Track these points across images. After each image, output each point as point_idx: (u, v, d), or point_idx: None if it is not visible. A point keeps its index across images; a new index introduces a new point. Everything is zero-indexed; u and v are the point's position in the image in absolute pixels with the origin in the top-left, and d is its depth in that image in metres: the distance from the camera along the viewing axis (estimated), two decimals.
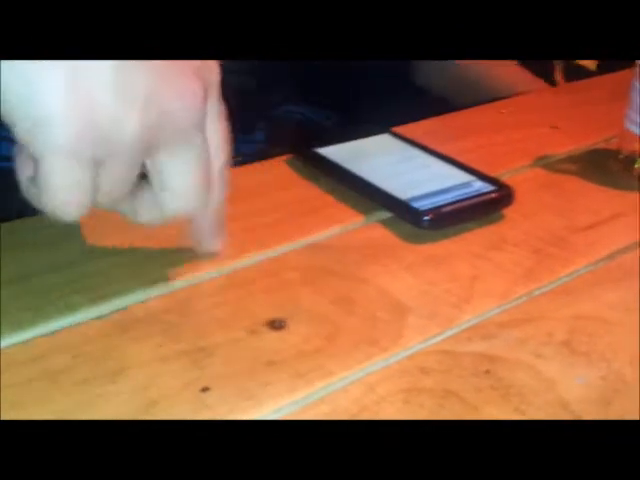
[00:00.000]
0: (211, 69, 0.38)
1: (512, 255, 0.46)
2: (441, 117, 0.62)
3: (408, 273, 0.43)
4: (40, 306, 0.38)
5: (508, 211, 0.50)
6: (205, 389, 0.35)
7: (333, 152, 0.53)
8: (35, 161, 0.34)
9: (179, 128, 0.36)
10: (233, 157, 0.71)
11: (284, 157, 0.55)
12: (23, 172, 0.36)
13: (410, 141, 0.55)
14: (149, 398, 0.34)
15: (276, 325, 0.39)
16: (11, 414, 0.32)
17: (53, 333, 0.37)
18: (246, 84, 0.72)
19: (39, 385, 0.34)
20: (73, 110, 0.32)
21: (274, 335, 0.38)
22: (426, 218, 0.46)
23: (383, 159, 0.53)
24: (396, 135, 0.56)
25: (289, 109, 0.91)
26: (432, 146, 0.54)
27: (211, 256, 0.43)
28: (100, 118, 0.33)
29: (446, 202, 0.47)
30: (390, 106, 0.77)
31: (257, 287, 0.42)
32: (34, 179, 0.34)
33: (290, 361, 0.36)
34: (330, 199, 0.50)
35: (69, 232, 0.44)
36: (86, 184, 0.34)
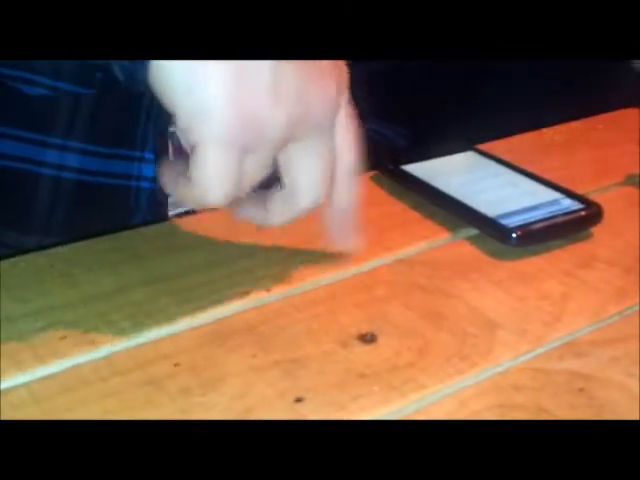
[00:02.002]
0: (342, 71, 0.41)
1: (602, 273, 0.45)
2: (527, 134, 0.62)
3: (497, 289, 0.43)
4: (138, 316, 0.40)
5: (596, 229, 0.49)
6: (299, 399, 0.35)
7: (418, 169, 0.53)
8: (192, 149, 0.37)
9: (317, 123, 0.39)
10: None
11: (369, 174, 0.56)
12: (164, 168, 0.40)
13: (495, 158, 0.55)
14: (246, 406, 0.35)
15: (367, 338, 0.39)
16: (120, 418, 0.33)
17: (152, 343, 0.39)
18: None
19: (144, 391, 0.35)
20: (233, 103, 0.36)
21: (365, 348, 0.39)
22: (514, 235, 0.46)
23: (469, 176, 0.53)
24: (481, 152, 0.56)
25: (362, 124, 0.92)
26: (517, 163, 0.54)
27: (345, 256, 0.45)
28: (255, 111, 0.36)
29: (534, 219, 0.47)
30: (466, 122, 0.77)
31: (347, 301, 0.42)
32: (182, 170, 0.38)
33: (382, 374, 0.37)
34: (416, 215, 0.51)
35: (168, 245, 0.46)
36: (234, 172, 0.37)
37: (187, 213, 0.57)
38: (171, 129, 0.54)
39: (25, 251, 0.44)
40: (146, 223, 0.53)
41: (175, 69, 0.36)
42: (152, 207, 0.56)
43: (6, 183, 0.53)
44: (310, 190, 0.40)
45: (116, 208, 0.55)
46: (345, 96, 0.41)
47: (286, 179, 0.40)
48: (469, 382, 0.37)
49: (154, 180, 0.55)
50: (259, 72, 0.36)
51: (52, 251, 0.44)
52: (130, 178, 0.55)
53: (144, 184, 0.55)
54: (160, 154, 0.55)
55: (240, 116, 0.36)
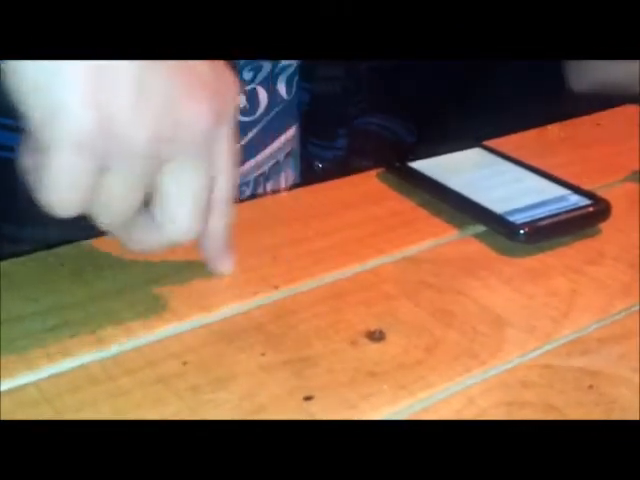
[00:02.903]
0: (230, 93, 0.38)
1: (610, 269, 0.45)
2: (533, 130, 0.62)
3: (505, 286, 0.43)
4: (147, 315, 0.40)
5: (604, 225, 0.49)
6: (308, 398, 0.35)
7: (425, 166, 0.53)
8: (41, 151, 0.33)
9: (188, 144, 0.35)
10: (314, 163, 0.71)
11: (375, 171, 0.56)
12: (26, 160, 0.35)
13: (503, 154, 0.55)
14: (256, 405, 0.35)
15: (375, 336, 0.40)
16: (129, 417, 0.33)
17: (161, 341, 0.39)
18: (330, 90, 0.72)
19: (153, 390, 0.35)
20: (90, 104, 0.32)
21: (374, 346, 0.39)
22: (522, 232, 0.46)
23: (476, 173, 0.53)
24: (488, 148, 0.56)
25: (370, 119, 0.92)
26: (525, 159, 0.54)
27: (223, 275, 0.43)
28: (116, 117, 0.33)
29: (542, 216, 0.47)
30: (473, 118, 0.77)
31: (355, 299, 0.42)
32: (36, 169, 0.34)
33: (391, 372, 0.37)
34: (423, 212, 0.51)
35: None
36: (86, 183, 0.34)
37: None
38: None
39: (33, 250, 0.44)
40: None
41: (26, 64, 0.32)
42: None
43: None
44: (179, 222, 0.37)
45: None
46: (228, 120, 0.37)
47: (156, 208, 0.37)
48: (477, 380, 0.37)
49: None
50: (121, 74, 0.33)
51: (61, 249, 0.44)
52: None
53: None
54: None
55: (97, 119, 0.33)
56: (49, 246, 0.45)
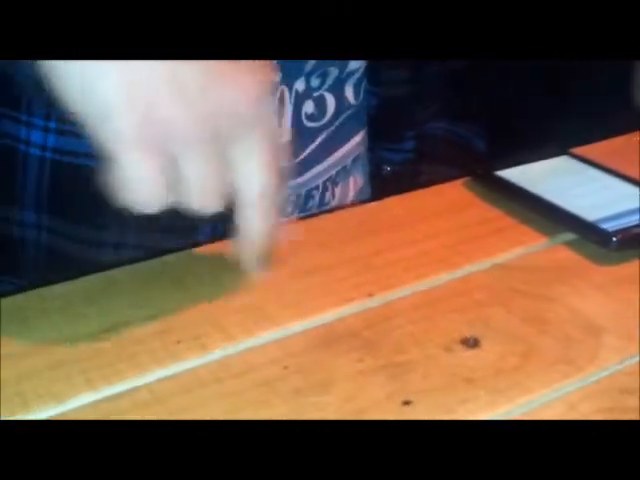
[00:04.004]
0: (263, 75, 0.38)
1: None
2: (622, 137, 0.61)
3: (599, 293, 0.43)
4: (247, 322, 0.41)
5: None
6: (407, 402, 0.36)
7: (513, 174, 0.54)
8: (107, 154, 0.35)
9: (240, 120, 0.36)
10: (383, 166, 0.71)
11: (461, 180, 0.56)
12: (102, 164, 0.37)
13: (590, 162, 0.55)
14: (357, 408, 0.36)
15: (470, 343, 0.40)
16: (239, 417, 0.35)
17: (261, 346, 0.40)
18: (398, 93, 0.73)
19: (258, 392, 0.36)
20: (129, 103, 0.34)
21: (469, 353, 0.39)
22: (615, 239, 0.46)
23: (564, 181, 0.53)
24: (575, 156, 0.56)
25: (439, 124, 0.92)
26: (613, 166, 0.54)
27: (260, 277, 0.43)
28: (158, 107, 0.35)
29: (634, 223, 0.47)
30: (558, 125, 0.76)
31: (447, 306, 0.43)
32: (110, 171, 0.36)
33: (487, 378, 0.38)
34: (511, 221, 0.51)
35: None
36: (161, 176, 0.35)
37: None
38: None
39: (135, 259, 0.46)
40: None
41: (70, 71, 0.34)
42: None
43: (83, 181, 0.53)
44: (255, 183, 0.38)
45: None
46: (265, 93, 0.38)
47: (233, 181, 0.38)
48: (575, 386, 0.37)
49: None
50: (155, 70, 0.35)
51: (162, 259, 0.46)
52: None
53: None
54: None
55: (139, 116, 0.34)
56: (150, 255, 0.47)
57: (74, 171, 0.52)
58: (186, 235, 0.51)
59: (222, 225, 0.55)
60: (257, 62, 0.38)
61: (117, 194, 0.36)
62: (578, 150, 0.57)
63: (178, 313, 0.42)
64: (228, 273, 0.45)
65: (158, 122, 0.35)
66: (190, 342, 0.40)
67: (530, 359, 0.39)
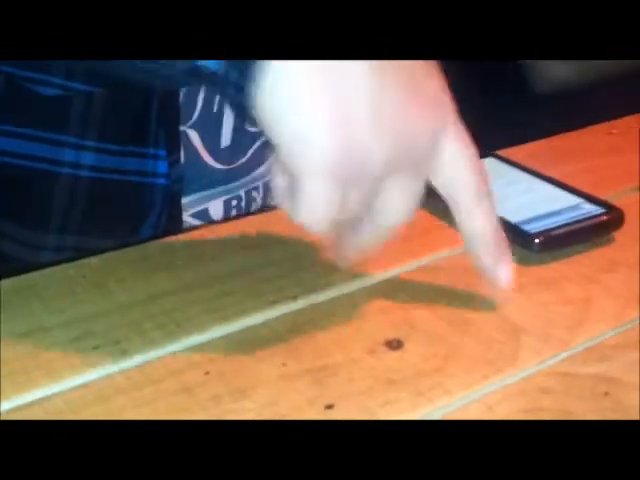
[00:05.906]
0: (445, 94, 0.38)
1: (624, 278, 0.46)
2: (546, 139, 0.63)
3: (520, 295, 0.44)
4: (169, 325, 0.41)
5: (618, 234, 0.49)
6: (329, 406, 0.36)
7: None
8: (292, 176, 0.36)
9: (416, 159, 0.37)
10: None
11: None
12: (278, 181, 0.38)
13: (515, 164, 0.55)
14: (278, 414, 0.35)
15: (394, 345, 0.40)
16: None
17: (183, 351, 0.39)
18: None
19: (175, 399, 0.36)
20: (334, 134, 0.34)
21: (392, 355, 0.39)
22: (537, 241, 0.47)
23: None
24: (500, 158, 0.56)
25: None
26: (537, 169, 0.55)
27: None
28: (356, 143, 0.35)
29: (556, 225, 0.48)
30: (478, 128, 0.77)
31: (372, 308, 0.43)
32: (290, 191, 0.36)
33: (409, 380, 0.38)
34: (437, 222, 0.51)
35: (197, 255, 0.46)
36: (337, 202, 0.36)
37: (200, 214, 0.58)
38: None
39: (57, 262, 0.45)
40: (160, 222, 0.54)
41: (277, 96, 0.34)
42: (166, 204, 0.56)
43: (24, 182, 0.53)
44: (397, 215, 0.39)
45: (132, 204, 0.56)
46: (450, 113, 0.38)
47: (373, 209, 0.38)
48: (495, 387, 0.37)
49: (168, 176, 0.55)
50: (360, 103, 0.35)
51: (84, 261, 0.45)
52: (145, 175, 0.55)
53: (160, 181, 0.55)
54: (173, 152, 0.55)
55: (340, 147, 0.35)
56: (70, 258, 0.46)
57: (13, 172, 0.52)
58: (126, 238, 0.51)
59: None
60: (437, 78, 0.38)
61: (291, 210, 0.37)
62: (502, 152, 0.58)
63: (98, 318, 0.41)
64: (150, 276, 0.44)
65: (351, 157, 0.35)
66: (109, 347, 0.39)
67: (451, 360, 0.39)
